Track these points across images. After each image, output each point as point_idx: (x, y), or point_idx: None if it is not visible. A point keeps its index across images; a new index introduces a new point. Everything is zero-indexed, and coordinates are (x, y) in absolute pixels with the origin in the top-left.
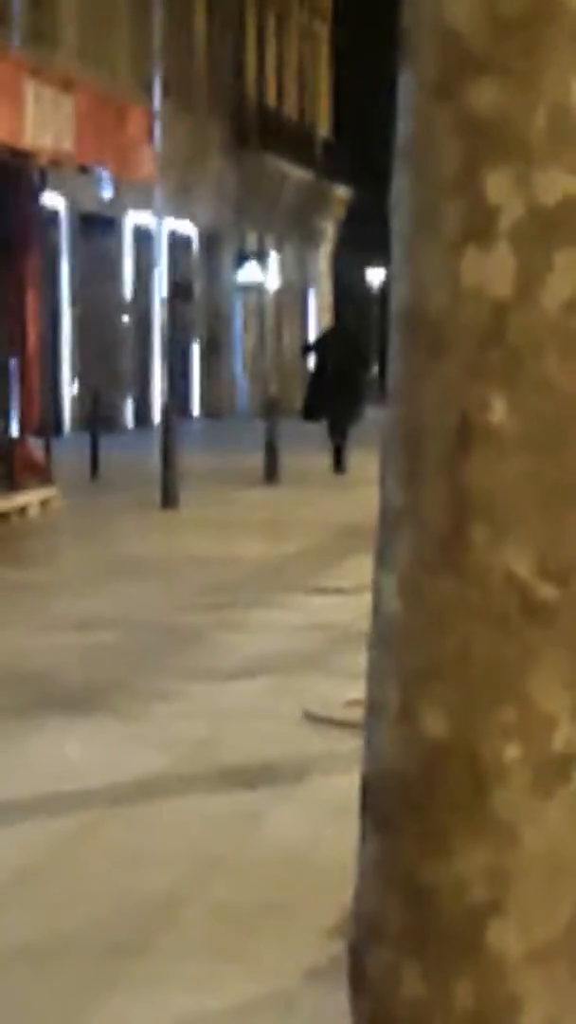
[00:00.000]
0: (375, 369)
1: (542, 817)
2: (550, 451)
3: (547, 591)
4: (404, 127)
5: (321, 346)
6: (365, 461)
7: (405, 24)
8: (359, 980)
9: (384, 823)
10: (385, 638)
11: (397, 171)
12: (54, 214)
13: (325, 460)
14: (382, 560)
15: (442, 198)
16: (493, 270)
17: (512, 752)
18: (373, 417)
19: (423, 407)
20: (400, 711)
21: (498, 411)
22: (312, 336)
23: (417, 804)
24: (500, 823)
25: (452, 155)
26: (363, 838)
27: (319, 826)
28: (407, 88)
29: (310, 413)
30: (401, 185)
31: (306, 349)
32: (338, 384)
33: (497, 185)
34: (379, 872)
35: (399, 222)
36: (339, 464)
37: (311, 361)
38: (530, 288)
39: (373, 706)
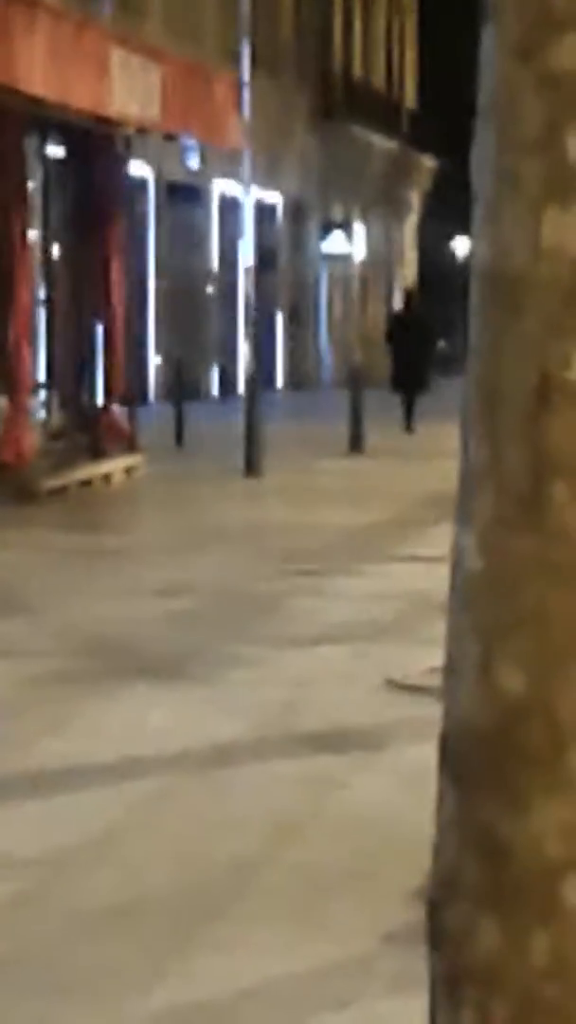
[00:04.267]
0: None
1: None
2: None
3: None
4: (486, 87)
5: (393, 329)
6: (448, 432)
7: None
8: (436, 935)
9: (462, 779)
10: (464, 596)
11: (479, 131)
12: (141, 183)
13: (409, 430)
14: (462, 518)
15: (523, 157)
16: (574, 228)
17: None
18: (454, 389)
19: (503, 366)
20: (478, 668)
21: None
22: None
23: (495, 760)
24: None
25: (533, 114)
26: (441, 794)
27: (399, 792)
28: (489, 48)
29: (392, 386)
30: (483, 145)
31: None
32: (407, 361)
33: None
34: (457, 827)
35: (480, 182)
36: (409, 425)
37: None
38: None
39: (452, 663)
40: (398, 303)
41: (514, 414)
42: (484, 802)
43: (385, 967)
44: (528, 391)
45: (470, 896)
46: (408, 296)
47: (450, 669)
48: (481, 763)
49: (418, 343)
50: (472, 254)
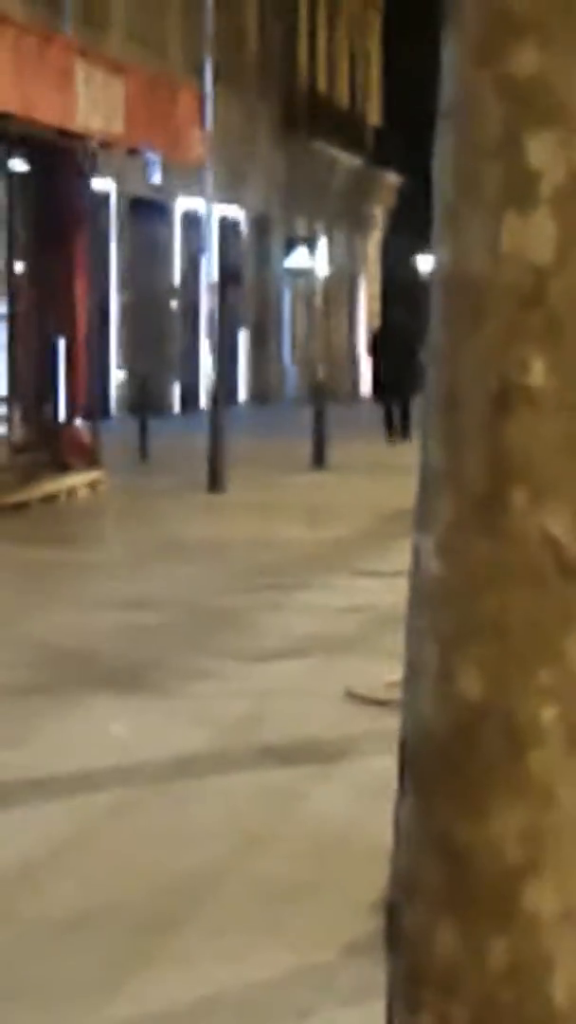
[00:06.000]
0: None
1: None
2: None
3: None
4: (447, 92)
5: (375, 344)
6: (411, 447)
7: None
8: (395, 938)
9: (421, 783)
10: (423, 599)
11: (440, 136)
12: (104, 198)
13: (372, 446)
14: (421, 522)
15: (483, 162)
16: (533, 234)
17: (548, 713)
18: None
19: (463, 370)
20: (437, 672)
21: (537, 373)
22: (376, 323)
23: (454, 764)
24: (536, 784)
25: (494, 120)
26: (400, 798)
27: (360, 804)
28: (450, 53)
29: (376, 396)
30: (444, 150)
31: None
32: (390, 373)
33: (538, 150)
34: (416, 831)
35: (441, 187)
36: (394, 434)
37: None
38: (570, 252)
39: (411, 667)
40: (361, 318)
41: (473, 419)
42: (443, 806)
43: (345, 977)
44: (487, 396)
45: (429, 900)
46: (386, 312)
47: (409, 673)
48: (440, 767)
49: (401, 352)
50: (433, 260)
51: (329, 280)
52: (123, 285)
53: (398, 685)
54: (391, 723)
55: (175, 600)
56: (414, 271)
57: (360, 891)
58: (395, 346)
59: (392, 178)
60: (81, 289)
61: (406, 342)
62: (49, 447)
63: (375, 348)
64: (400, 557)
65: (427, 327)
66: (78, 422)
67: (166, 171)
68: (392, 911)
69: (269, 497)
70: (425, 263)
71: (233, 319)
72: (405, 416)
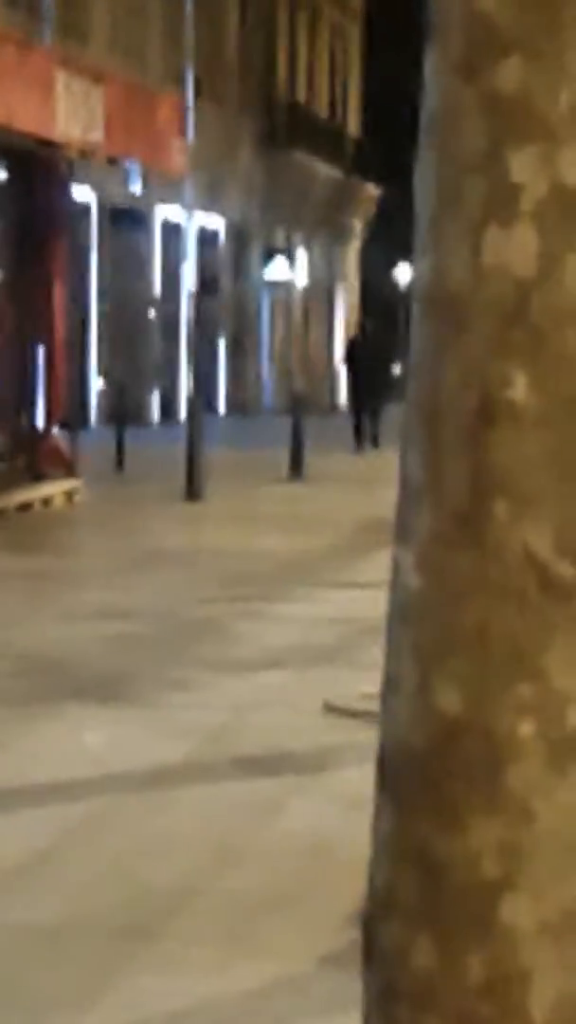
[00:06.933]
0: (398, 366)
1: (556, 793)
2: (571, 428)
3: (565, 568)
4: (429, 106)
5: (350, 354)
6: (389, 458)
7: (433, 3)
8: (371, 953)
9: (399, 797)
10: (402, 613)
11: (422, 150)
12: (83, 207)
13: (349, 457)
14: (401, 535)
15: (465, 176)
16: (515, 249)
17: (527, 728)
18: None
19: (444, 384)
20: (416, 686)
21: (519, 388)
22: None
23: (431, 779)
24: (514, 799)
25: (476, 134)
26: (378, 811)
27: (336, 816)
28: (433, 67)
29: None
30: (425, 163)
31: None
32: (365, 383)
33: (520, 164)
34: (393, 845)
35: (422, 200)
36: (363, 442)
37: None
38: (553, 267)
39: (390, 681)
40: (339, 330)
41: (455, 432)
42: (420, 820)
43: (321, 988)
44: (469, 410)
45: (406, 914)
46: (362, 322)
47: (388, 687)
48: (418, 781)
49: (375, 362)
50: (414, 273)
51: (307, 291)
52: (102, 294)
53: (375, 696)
54: (368, 735)
55: (152, 610)
56: (392, 282)
57: (337, 903)
58: (369, 356)
59: (371, 189)
60: (60, 298)
61: (381, 352)
62: (26, 456)
63: (350, 357)
64: (377, 568)
65: (402, 338)
66: (56, 431)
67: (146, 181)
68: (368, 925)
69: (247, 507)
70: (404, 274)
71: (211, 329)
72: (374, 425)
